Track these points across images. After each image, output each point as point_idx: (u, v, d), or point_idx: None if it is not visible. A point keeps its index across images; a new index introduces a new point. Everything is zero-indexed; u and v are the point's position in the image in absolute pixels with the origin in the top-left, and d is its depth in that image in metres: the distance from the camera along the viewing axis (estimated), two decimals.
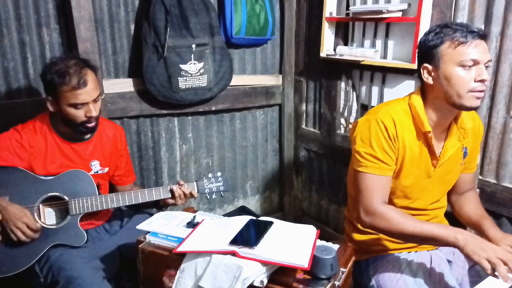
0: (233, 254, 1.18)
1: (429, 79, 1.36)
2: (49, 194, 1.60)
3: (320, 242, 1.32)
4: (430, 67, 1.35)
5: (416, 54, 1.44)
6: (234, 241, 1.21)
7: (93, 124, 1.63)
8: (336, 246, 1.35)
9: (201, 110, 2.40)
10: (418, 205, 1.51)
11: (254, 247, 1.18)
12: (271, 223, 1.34)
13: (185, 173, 2.51)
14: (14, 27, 1.83)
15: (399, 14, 1.98)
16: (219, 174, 1.87)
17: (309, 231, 1.31)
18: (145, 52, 2.07)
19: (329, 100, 2.47)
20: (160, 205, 1.82)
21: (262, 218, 1.40)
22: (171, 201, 1.76)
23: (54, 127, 1.65)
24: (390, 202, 1.47)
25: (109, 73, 2.11)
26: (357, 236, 1.59)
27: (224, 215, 2.49)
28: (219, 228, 1.34)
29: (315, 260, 1.17)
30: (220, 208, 2.71)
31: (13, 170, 1.56)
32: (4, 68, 1.84)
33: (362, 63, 2.12)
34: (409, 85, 2.04)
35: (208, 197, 1.84)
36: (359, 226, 1.55)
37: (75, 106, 1.57)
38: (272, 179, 2.87)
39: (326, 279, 1.18)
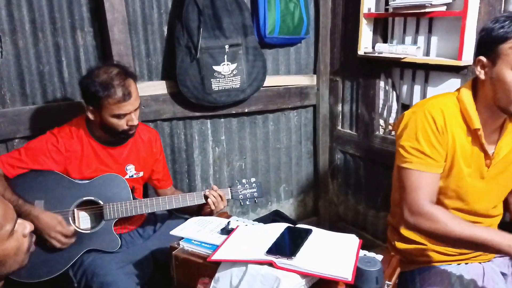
0: (270, 264, 1.11)
1: (481, 74, 1.24)
2: (84, 198, 1.59)
3: (362, 252, 1.24)
4: (485, 61, 1.22)
5: (475, 42, 1.30)
6: (271, 251, 1.15)
7: (133, 131, 1.63)
8: (379, 257, 1.26)
9: (234, 112, 2.35)
10: (474, 208, 1.39)
11: (293, 257, 1.11)
12: (309, 231, 1.26)
13: (218, 176, 2.47)
14: (49, 30, 1.84)
15: (444, 8, 1.87)
16: (253, 180, 1.83)
17: (351, 241, 1.23)
18: (178, 53, 2.05)
19: (367, 100, 2.37)
20: (193, 212, 1.79)
21: (299, 226, 1.32)
22: (208, 210, 1.71)
23: (90, 131, 1.64)
24: (440, 203, 1.36)
25: (142, 75, 2.10)
26: (401, 245, 1.49)
27: (257, 219, 2.44)
28: (254, 236, 1.28)
29: (359, 273, 1.09)
30: (253, 212, 2.65)
31: (49, 174, 1.56)
32: (39, 71, 1.85)
33: (403, 60, 2.03)
34: (454, 84, 1.92)
35: (241, 203, 1.81)
36: (403, 232, 1.45)
37: (118, 116, 1.56)
38: (306, 182, 2.79)
39: None
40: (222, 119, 2.40)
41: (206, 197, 1.71)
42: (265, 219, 2.51)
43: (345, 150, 2.59)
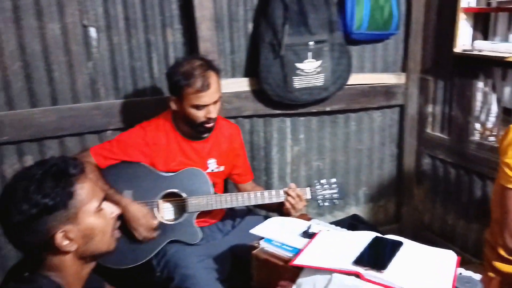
0: (357, 275, 1.05)
1: None
2: (168, 190, 1.64)
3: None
4: None
5: None
6: (358, 261, 1.08)
7: (211, 125, 1.65)
8: (477, 276, 1.14)
9: (315, 110, 2.29)
10: None
11: (383, 270, 1.03)
12: (400, 243, 1.17)
13: (295, 175, 2.43)
14: (142, 28, 1.91)
15: None
16: (333, 180, 1.77)
17: (447, 257, 1.12)
18: (261, 51, 2.03)
19: (462, 102, 2.18)
20: (273, 210, 1.77)
21: (389, 236, 1.24)
22: (287, 209, 1.68)
23: (176, 126, 1.69)
24: None
25: (226, 72, 2.12)
26: (501, 266, 1.34)
27: (334, 222, 2.36)
28: (339, 243, 1.22)
29: None
30: (330, 214, 2.57)
31: (137, 166, 1.63)
32: (131, 67, 1.94)
33: (506, 59, 1.84)
34: None
35: (320, 204, 1.75)
36: (504, 253, 1.30)
37: (197, 107, 1.59)
38: (388, 186, 2.65)
39: None
40: (302, 118, 2.34)
41: (287, 193, 1.67)
42: (343, 223, 2.42)
43: (434, 155, 2.41)
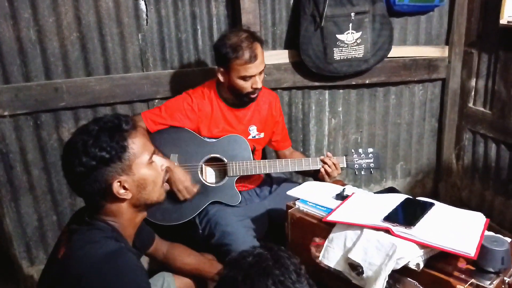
0: (387, 231, 1.11)
1: None
2: (211, 155, 1.74)
3: (488, 233, 1.16)
4: None
5: None
6: (388, 218, 1.14)
7: (256, 95, 1.72)
8: (508, 239, 1.17)
9: (354, 83, 2.31)
10: None
11: (412, 227, 1.09)
12: (431, 204, 1.22)
13: (332, 147, 2.47)
14: (188, 0, 1.99)
15: None
16: (370, 150, 1.80)
17: (476, 218, 1.16)
18: (302, 22, 2.07)
19: (506, 76, 2.13)
20: (309, 175, 1.84)
21: (421, 198, 1.28)
22: (322, 176, 1.74)
23: (219, 94, 1.77)
24: None
25: (267, 44, 2.16)
26: None
27: None
28: (371, 203, 1.28)
29: (483, 250, 1.03)
30: (366, 186, 2.61)
31: (184, 131, 1.73)
32: (177, 39, 2.03)
33: None
34: None
35: (356, 172, 1.80)
36: None
37: (244, 78, 1.66)
38: (427, 162, 2.64)
39: (494, 273, 1.03)
40: (341, 90, 2.37)
41: (323, 161, 1.73)
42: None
43: (475, 130, 2.38)
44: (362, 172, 1.80)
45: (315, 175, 1.79)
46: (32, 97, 1.81)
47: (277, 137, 1.96)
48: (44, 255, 2.00)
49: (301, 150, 2.42)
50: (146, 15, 1.95)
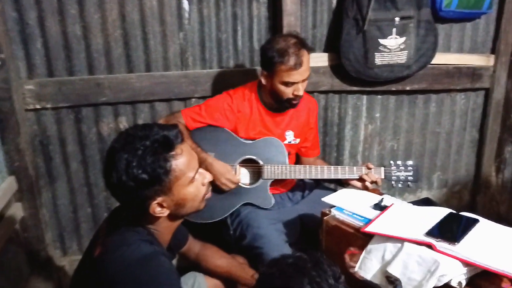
0: (429, 246, 1.07)
1: None
2: (247, 156, 1.74)
3: None
4: None
5: None
6: (431, 233, 1.11)
7: (297, 101, 1.70)
8: None
9: (394, 89, 2.26)
10: None
11: (456, 243, 1.05)
12: (476, 220, 1.17)
13: (367, 154, 2.42)
14: (230, 1, 1.99)
15: None
16: (410, 162, 1.75)
17: None
18: (344, 25, 2.04)
19: None
20: (342, 183, 1.81)
21: (464, 213, 1.24)
22: (357, 184, 1.70)
23: (260, 97, 1.76)
24: None
25: None
26: None
27: None
28: (412, 216, 1.25)
29: None
30: (400, 196, 2.54)
31: (221, 130, 1.74)
32: (217, 39, 2.04)
33: None
34: None
35: (394, 185, 1.75)
36: None
37: (286, 84, 1.64)
38: (465, 173, 2.56)
39: None
40: (380, 96, 2.32)
41: (361, 177, 1.68)
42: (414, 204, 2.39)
43: None
44: (399, 185, 1.75)
45: (348, 184, 1.76)
46: (74, 91, 1.85)
47: (307, 143, 1.93)
48: (77, 246, 2.06)
49: (335, 155, 2.38)
50: (189, 14, 1.96)
